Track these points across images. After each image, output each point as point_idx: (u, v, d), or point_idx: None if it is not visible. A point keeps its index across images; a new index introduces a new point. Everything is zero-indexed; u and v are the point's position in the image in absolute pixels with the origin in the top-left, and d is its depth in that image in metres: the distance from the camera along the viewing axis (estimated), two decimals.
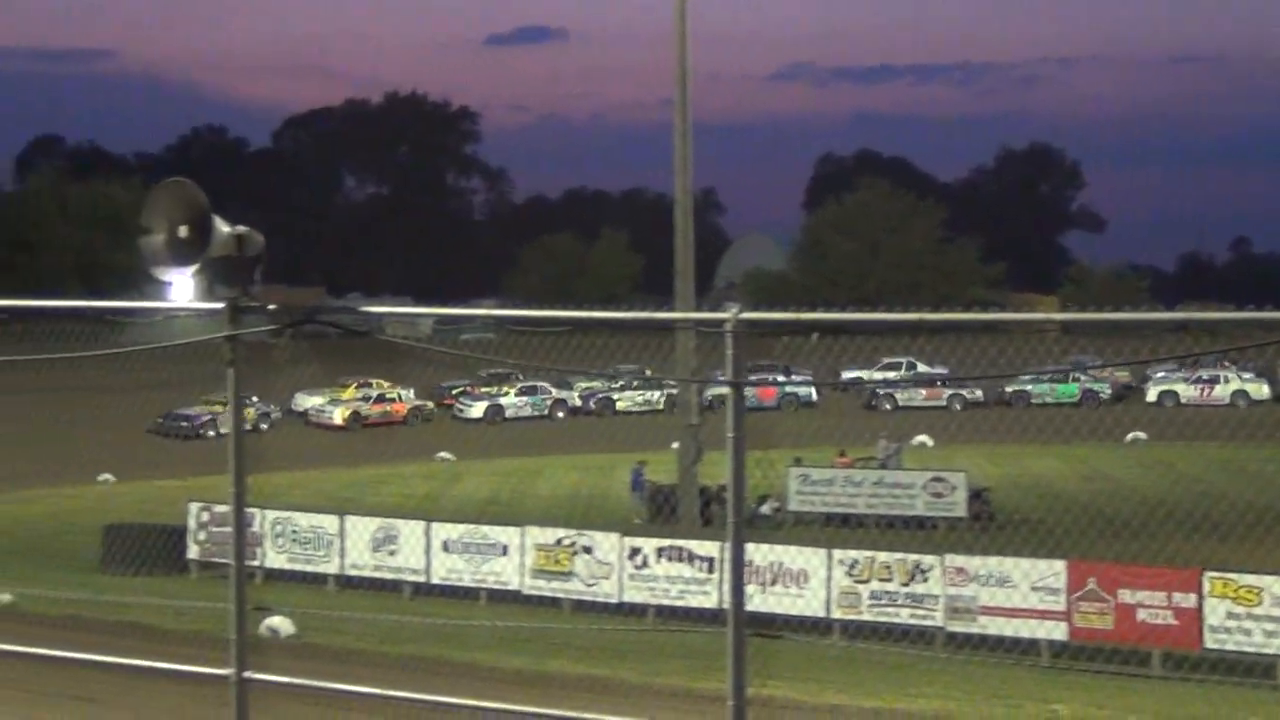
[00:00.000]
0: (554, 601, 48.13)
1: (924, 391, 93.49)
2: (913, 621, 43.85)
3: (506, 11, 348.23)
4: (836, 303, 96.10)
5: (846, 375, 76.66)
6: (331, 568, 51.51)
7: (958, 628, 43.01)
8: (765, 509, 56.11)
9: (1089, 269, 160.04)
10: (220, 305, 13.45)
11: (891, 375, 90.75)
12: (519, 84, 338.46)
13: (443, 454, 79.65)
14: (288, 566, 50.60)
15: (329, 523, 52.16)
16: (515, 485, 69.89)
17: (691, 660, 35.75)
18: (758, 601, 41.80)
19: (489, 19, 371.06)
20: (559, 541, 49.32)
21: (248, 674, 14.00)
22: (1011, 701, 34.64)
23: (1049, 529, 52.93)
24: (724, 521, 13.09)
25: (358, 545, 51.41)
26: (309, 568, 51.27)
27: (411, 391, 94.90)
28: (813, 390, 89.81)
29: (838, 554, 45.71)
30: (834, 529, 55.34)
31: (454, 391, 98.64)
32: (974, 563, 44.10)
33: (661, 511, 58.19)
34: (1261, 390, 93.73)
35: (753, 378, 12.68)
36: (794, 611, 42.81)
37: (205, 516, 52.44)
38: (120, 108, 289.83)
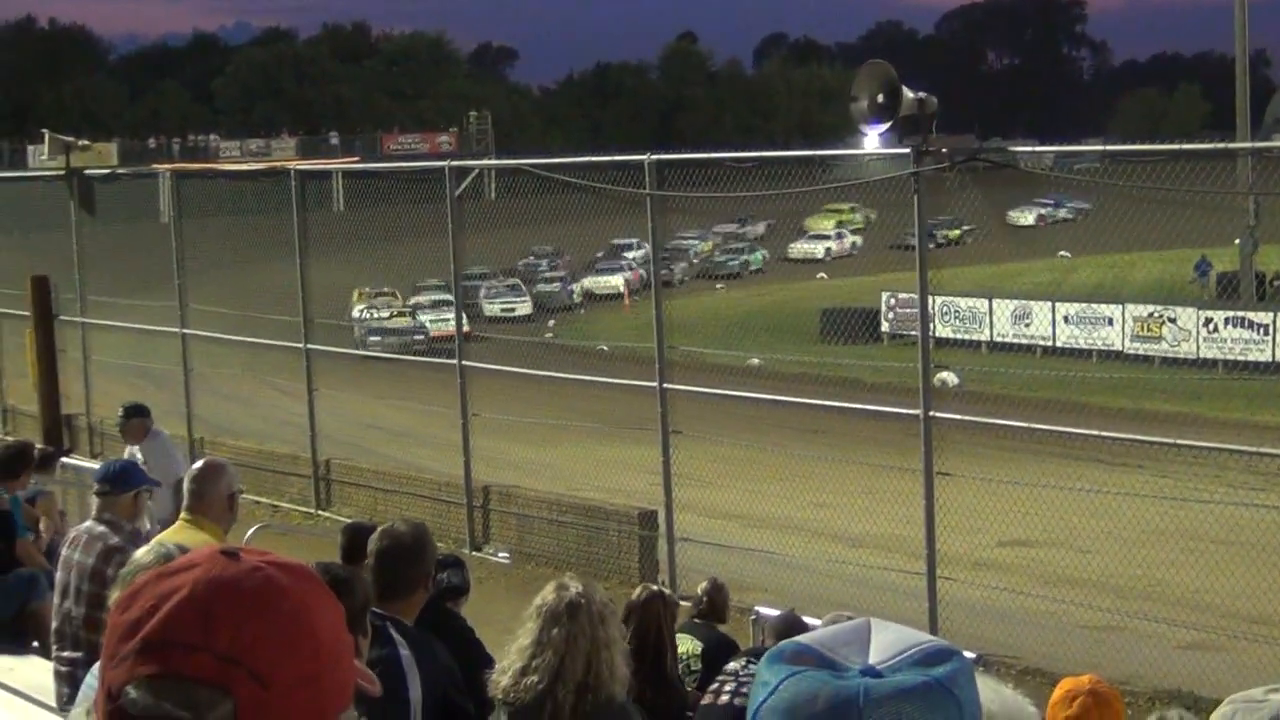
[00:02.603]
0: (1147, 359, 47.06)
1: None
2: None
3: None
4: None
5: None
6: (983, 336, 51.23)
7: None
8: None
9: None
10: (907, 151, 13.52)
11: None
12: None
13: (1062, 252, 77.92)
14: (951, 336, 50.38)
15: (980, 304, 51.90)
16: (1117, 274, 68.08)
17: (1251, 400, 34.78)
18: None
19: None
20: (1151, 314, 48.18)
21: (931, 412, 14.14)
22: None
23: None
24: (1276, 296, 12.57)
25: (1002, 320, 51.14)
26: (967, 337, 51.01)
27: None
28: None
29: None
30: None
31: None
32: None
33: (1226, 290, 56.21)
34: None
35: None
36: None
37: (893, 301, 52.78)
38: (828, 8, 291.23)
